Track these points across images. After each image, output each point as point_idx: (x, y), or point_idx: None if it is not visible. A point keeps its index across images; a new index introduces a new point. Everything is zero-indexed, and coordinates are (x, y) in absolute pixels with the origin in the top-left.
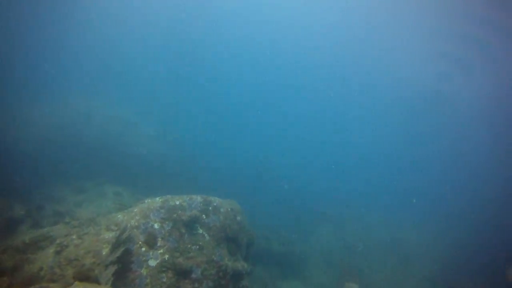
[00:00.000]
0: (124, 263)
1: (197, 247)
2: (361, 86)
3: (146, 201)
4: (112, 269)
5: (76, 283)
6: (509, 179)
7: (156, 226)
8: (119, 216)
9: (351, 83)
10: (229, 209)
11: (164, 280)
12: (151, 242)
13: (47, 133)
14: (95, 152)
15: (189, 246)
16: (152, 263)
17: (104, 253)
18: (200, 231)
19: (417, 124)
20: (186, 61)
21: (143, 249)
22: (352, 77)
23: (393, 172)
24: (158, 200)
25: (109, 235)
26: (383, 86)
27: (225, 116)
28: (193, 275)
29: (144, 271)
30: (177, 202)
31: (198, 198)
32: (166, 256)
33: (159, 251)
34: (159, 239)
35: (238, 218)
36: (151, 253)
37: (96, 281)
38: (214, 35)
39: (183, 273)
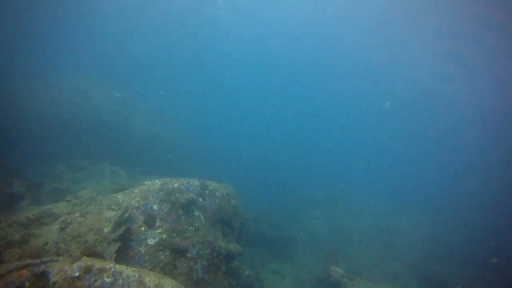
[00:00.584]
0: (124, 240)
1: (193, 228)
2: (361, 86)
3: (145, 183)
4: (115, 246)
5: (84, 257)
6: (506, 177)
7: (155, 207)
8: (119, 196)
9: (351, 83)
10: (225, 193)
11: (162, 258)
12: (150, 222)
13: (45, 109)
14: (93, 130)
15: (185, 227)
16: (151, 241)
17: (105, 230)
18: (197, 213)
19: (417, 124)
20: (186, 46)
21: (143, 228)
22: (353, 77)
23: (390, 167)
24: (157, 182)
25: (111, 214)
26: (383, 86)
27: (222, 100)
28: (189, 254)
29: (142, 249)
30: (176, 185)
31: (196, 182)
32: (164, 236)
33: (157, 231)
34: (158, 219)
35: (233, 202)
36: (150, 232)
37: (102, 256)
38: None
39: (179, 252)
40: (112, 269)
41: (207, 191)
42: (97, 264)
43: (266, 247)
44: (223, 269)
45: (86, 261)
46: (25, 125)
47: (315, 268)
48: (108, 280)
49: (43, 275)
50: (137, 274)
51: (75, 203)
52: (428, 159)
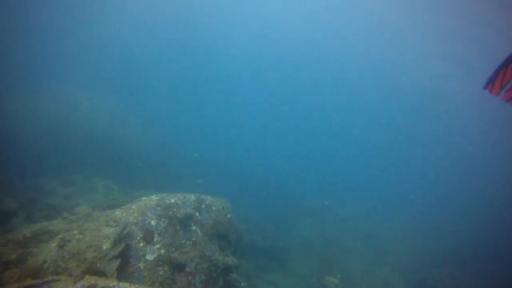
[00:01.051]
0: (123, 257)
1: (191, 242)
2: (362, 85)
3: (142, 199)
4: (116, 263)
5: (87, 276)
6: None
7: (153, 223)
8: (117, 212)
9: (352, 82)
10: (221, 208)
11: (161, 273)
12: (148, 238)
13: (33, 123)
14: (82, 143)
15: (183, 241)
16: (150, 257)
17: (104, 247)
18: (194, 227)
19: (417, 124)
20: (177, 52)
21: (141, 244)
22: (353, 76)
23: (388, 169)
24: (154, 198)
25: (109, 231)
26: (383, 85)
27: (213, 110)
28: (187, 269)
29: (141, 265)
30: (172, 200)
31: (192, 197)
32: (162, 251)
33: (156, 246)
34: (156, 235)
35: (229, 216)
36: (148, 248)
37: (104, 274)
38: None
39: (178, 267)
40: (116, 287)
41: (203, 206)
42: (101, 282)
43: (259, 257)
44: (220, 282)
45: (90, 280)
46: (12, 138)
47: (309, 278)
48: None
49: None
50: None
51: (72, 219)
52: (429, 162)
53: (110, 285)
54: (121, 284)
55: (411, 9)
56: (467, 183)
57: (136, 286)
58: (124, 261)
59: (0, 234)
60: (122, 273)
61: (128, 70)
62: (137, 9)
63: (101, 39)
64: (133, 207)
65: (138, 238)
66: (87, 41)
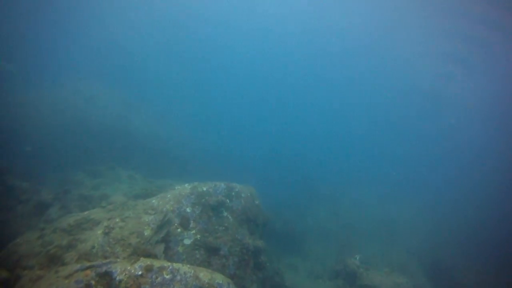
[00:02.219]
0: (164, 242)
1: (223, 228)
2: (362, 85)
3: (176, 188)
4: (161, 247)
5: (142, 258)
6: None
7: (188, 210)
8: (153, 201)
9: (352, 82)
10: (249, 194)
11: (197, 256)
12: (185, 224)
13: (52, 118)
14: (101, 135)
15: (216, 227)
16: (187, 242)
17: (146, 233)
18: (225, 213)
19: (417, 124)
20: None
21: (179, 230)
22: (353, 76)
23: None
24: (187, 186)
25: (148, 218)
26: (383, 85)
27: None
28: (221, 252)
29: (180, 249)
30: (204, 189)
31: (222, 185)
32: (198, 236)
33: (192, 232)
34: (191, 221)
35: (256, 202)
36: (185, 233)
37: (156, 257)
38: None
39: (213, 250)
40: (170, 267)
41: (233, 193)
42: (156, 263)
43: (278, 242)
44: (251, 264)
45: (145, 261)
46: (35, 133)
47: (326, 260)
48: (167, 277)
49: (107, 275)
50: (192, 271)
51: (110, 208)
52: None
53: (165, 265)
54: (174, 264)
55: (412, 8)
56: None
57: (188, 266)
58: (165, 245)
59: (41, 222)
60: (164, 257)
61: (140, 63)
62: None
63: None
64: (168, 195)
65: (176, 224)
66: (101, 35)
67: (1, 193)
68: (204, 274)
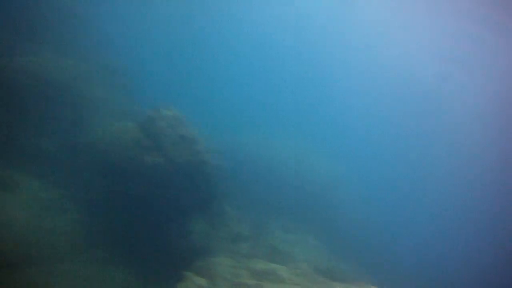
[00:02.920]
0: None
1: None
2: (361, 85)
3: None
4: None
5: None
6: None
7: None
8: None
9: (352, 82)
10: None
11: None
12: None
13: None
14: (302, 198)
15: None
16: None
17: None
18: None
19: (417, 124)
20: None
21: None
22: (353, 76)
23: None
24: None
25: None
26: (383, 85)
27: None
28: None
29: None
30: None
31: None
32: None
33: None
34: None
35: None
36: None
37: None
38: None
39: None
40: None
41: None
42: None
43: None
44: None
45: None
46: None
47: None
48: None
49: None
50: None
51: (296, 273)
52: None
53: None
54: None
55: (412, 8)
56: None
57: None
58: None
59: (233, 252)
60: None
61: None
62: None
63: None
64: None
65: None
66: None
67: (216, 214)
68: None
